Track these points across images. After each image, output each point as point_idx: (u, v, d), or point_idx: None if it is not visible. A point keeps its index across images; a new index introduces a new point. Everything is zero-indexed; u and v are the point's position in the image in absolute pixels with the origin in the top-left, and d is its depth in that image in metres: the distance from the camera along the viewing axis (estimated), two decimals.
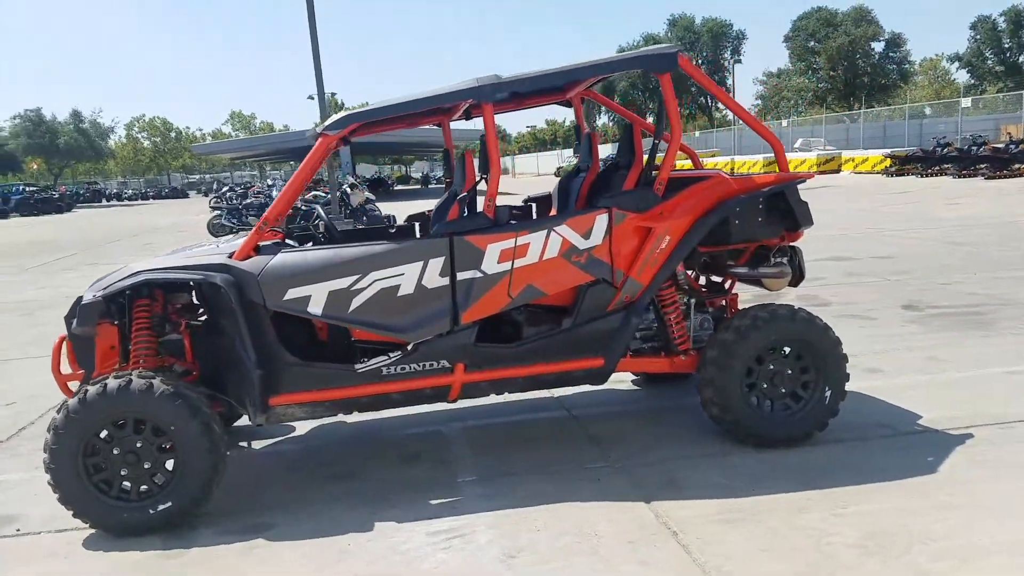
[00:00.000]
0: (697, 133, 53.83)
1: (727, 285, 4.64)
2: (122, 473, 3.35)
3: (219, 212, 21.04)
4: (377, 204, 22.73)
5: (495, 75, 3.82)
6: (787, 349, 3.99)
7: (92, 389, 3.28)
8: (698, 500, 3.44)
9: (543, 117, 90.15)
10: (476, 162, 4.31)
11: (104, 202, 57.19)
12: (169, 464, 3.40)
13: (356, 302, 3.61)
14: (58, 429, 3.26)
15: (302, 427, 4.73)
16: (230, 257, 3.59)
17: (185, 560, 3.18)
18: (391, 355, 3.69)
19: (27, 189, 45.96)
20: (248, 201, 21.48)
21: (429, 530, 3.29)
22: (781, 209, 4.09)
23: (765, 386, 3.97)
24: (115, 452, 3.32)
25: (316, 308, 3.58)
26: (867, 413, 4.42)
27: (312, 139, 3.98)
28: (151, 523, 3.35)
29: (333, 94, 17.22)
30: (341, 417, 4.38)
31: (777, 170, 4.22)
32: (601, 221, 3.80)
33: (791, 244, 4.33)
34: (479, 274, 3.68)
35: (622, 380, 5.22)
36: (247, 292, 3.51)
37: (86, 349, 3.76)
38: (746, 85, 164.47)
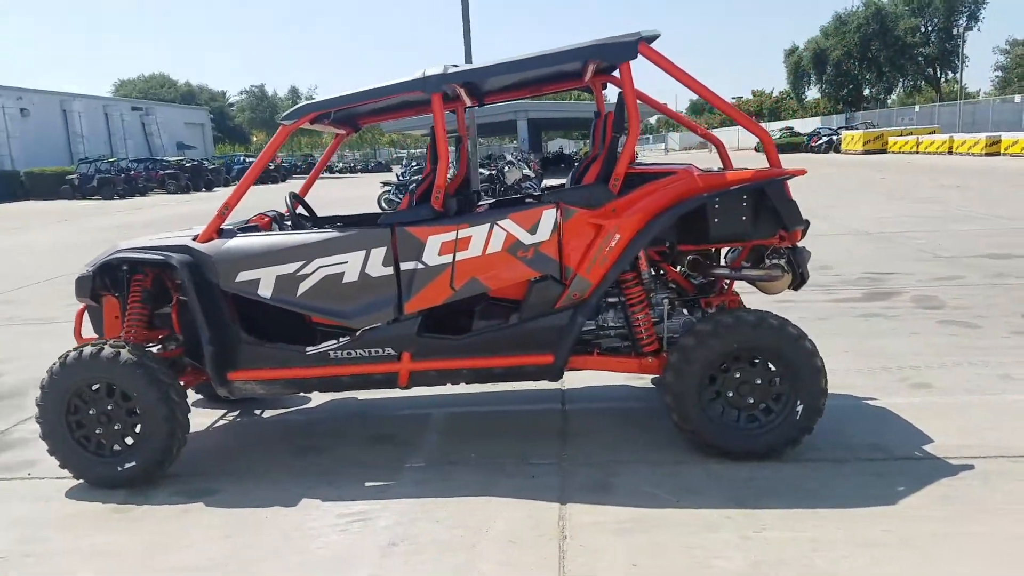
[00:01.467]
0: (917, 108, 49.17)
1: (726, 285, 4.35)
2: (97, 432, 3.77)
3: (389, 187, 22.22)
4: (538, 181, 23.06)
5: (446, 65, 3.81)
6: (758, 358, 3.70)
7: (72, 354, 3.72)
8: (613, 507, 3.34)
9: (749, 87, 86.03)
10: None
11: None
12: (138, 427, 3.77)
13: (303, 287, 3.79)
14: (44, 388, 3.74)
15: (318, 398, 5.01)
16: (194, 239, 3.89)
17: (130, 516, 3.55)
18: (340, 340, 3.83)
19: (247, 160, 50.66)
20: (417, 177, 22.48)
21: (341, 511, 3.44)
22: (772, 208, 3.78)
23: (731, 395, 3.71)
24: (91, 412, 3.74)
25: (266, 291, 3.80)
26: (869, 432, 4.04)
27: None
28: (117, 479, 3.76)
29: None
30: (350, 393, 4.59)
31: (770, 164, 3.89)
32: (548, 216, 3.71)
33: (792, 245, 3.98)
34: (421, 265, 3.73)
35: (641, 378, 5.02)
36: (205, 273, 3.80)
37: (98, 318, 4.24)
38: (984, 55, 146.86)
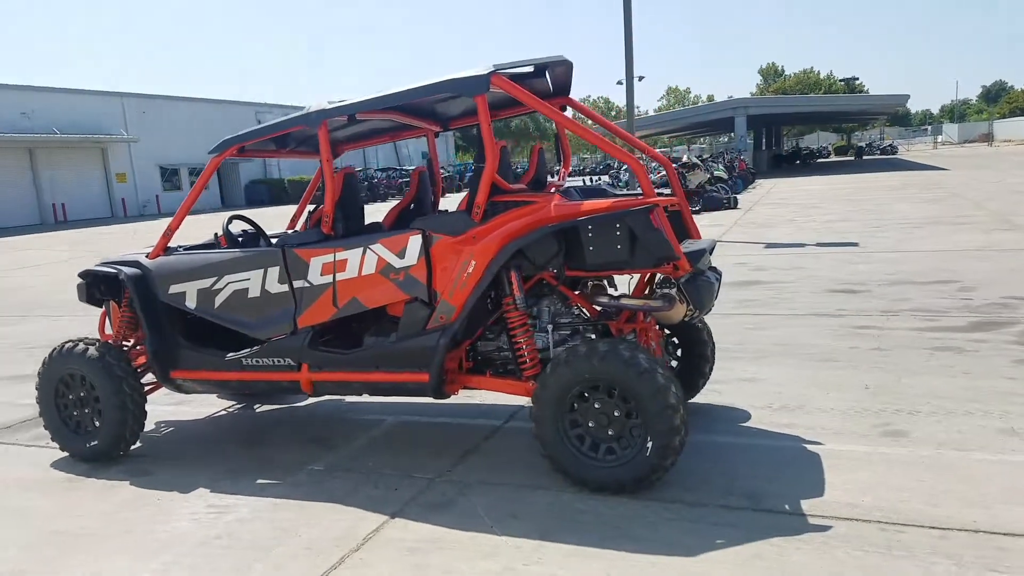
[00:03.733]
0: None
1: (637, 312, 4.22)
2: (75, 413, 4.55)
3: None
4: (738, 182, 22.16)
5: (331, 101, 4.11)
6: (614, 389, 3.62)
7: (57, 348, 4.53)
8: (429, 525, 3.47)
9: None
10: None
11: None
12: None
13: (218, 300, 4.29)
14: (39, 374, 4.59)
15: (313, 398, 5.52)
16: (147, 256, 4.54)
17: (76, 485, 4.27)
18: (252, 349, 4.29)
19: (476, 167, 53.71)
20: (599, 182, 22.64)
21: (213, 502, 3.90)
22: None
23: (591, 425, 3.66)
24: (71, 397, 4.54)
25: (191, 303, 4.36)
26: (763, 479, 3.76)
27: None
28: (85, 454, 4.52)
29: (640, 78, 16.87)
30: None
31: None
32: (415, 242, 3.88)
33: (686, 274, 3.83)
34: (307, 284, 4.08)
35: None
36: (150, 285, 4.43)
37: (112, 318, 5.07)
38: None
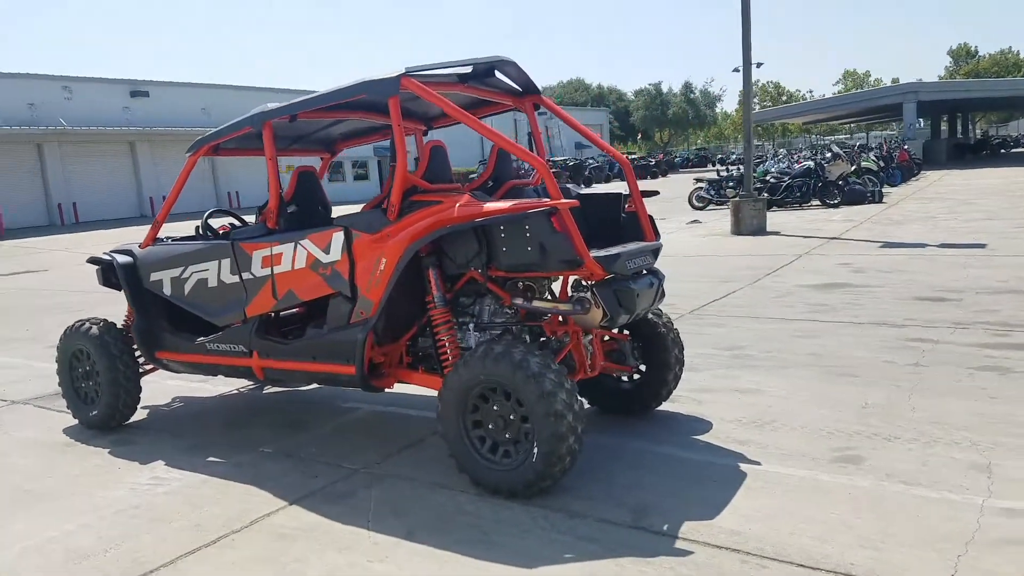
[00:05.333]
0: None
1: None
2: (83, 384, 5.08)
3: (702, 185, 21.92)
4: (872, 177, 20.60)
5: (274, 104, 4.30)
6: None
7: (72, 325, 5.06)
8: (315, 515, 3.61)
9: None
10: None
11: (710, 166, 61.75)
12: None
13: (186, 288, 4.64)
14: (58, 347, 5.15)
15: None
16: (139, 246, 4.96)
17: (66, 450, 4.78)
18: (213, 335, 4.60)
19: (630, 157, 52.72)
20: (732, 173, 21.75)
21: (159, 475, 4.25)
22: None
23: (490, 427, 3.66)
24: (79, 370, 5.07)
25: (167, 290, 4.73)
26: (662, 495, 3.62)
27: None
28: (90, 422, 5.04)
29: (759, 64, 15.59)
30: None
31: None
32: (338, 239, 4.00)
33: (602, 278, 3.73)
34: (251, 276, 4.32)
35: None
36: (139, 272, 4.85)
37: None
38: None
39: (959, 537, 3.07)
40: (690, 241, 14.26)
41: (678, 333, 4.64)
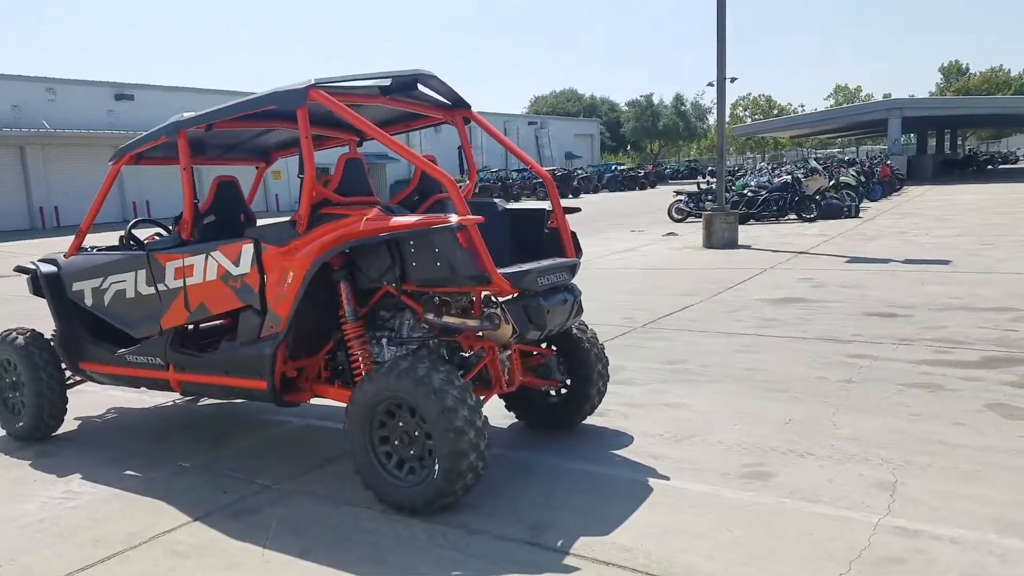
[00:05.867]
0: None
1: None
2: (10, 396, 5.06)
3: (681, 197, 21.99)
4: (851, 192, 20.68)
5: (183, 114, 4.31)
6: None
7: (2, 334, 5.03)
8: (217, 532, 3.60)
9: None
10: None
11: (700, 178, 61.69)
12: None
13: (106, 299, 4.63)
14: None
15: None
16: (64, 256, 4.95)
17: None
18: (131, 347, 4.58)
19: (618, 168, 52.88)
20: (712, 186, 21.80)
21: (70, 488, 4.23)
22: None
23: (396, 443, 3.66)
24: (6, 380, 5.05)
25: (88, 300, 4.72)
26: (563, 510, 3.63)
27: None
28: (16, 433, 5.02)
29: (733, 79, 15.60)
30: None
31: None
32: (247, 251, 4.00)
33: (511, 295, 3.75)
34: (165, 287, 4.31)
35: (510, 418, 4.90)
36: (62, 282, 4.84)
37: None
38: None
39: (845, 555, 3.08)
40: (661, 254, 14.30)
41: (602, 348, 4.66)
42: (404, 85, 4.22)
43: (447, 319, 3.86)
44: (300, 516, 3.70)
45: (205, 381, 4.33)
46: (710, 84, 15.13)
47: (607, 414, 4.97)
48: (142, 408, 5.79)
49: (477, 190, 36.77)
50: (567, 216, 4.42)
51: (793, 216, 19.71)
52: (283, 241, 3.91)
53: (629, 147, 71.35)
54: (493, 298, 3.91)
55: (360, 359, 4.01)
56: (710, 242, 15.03)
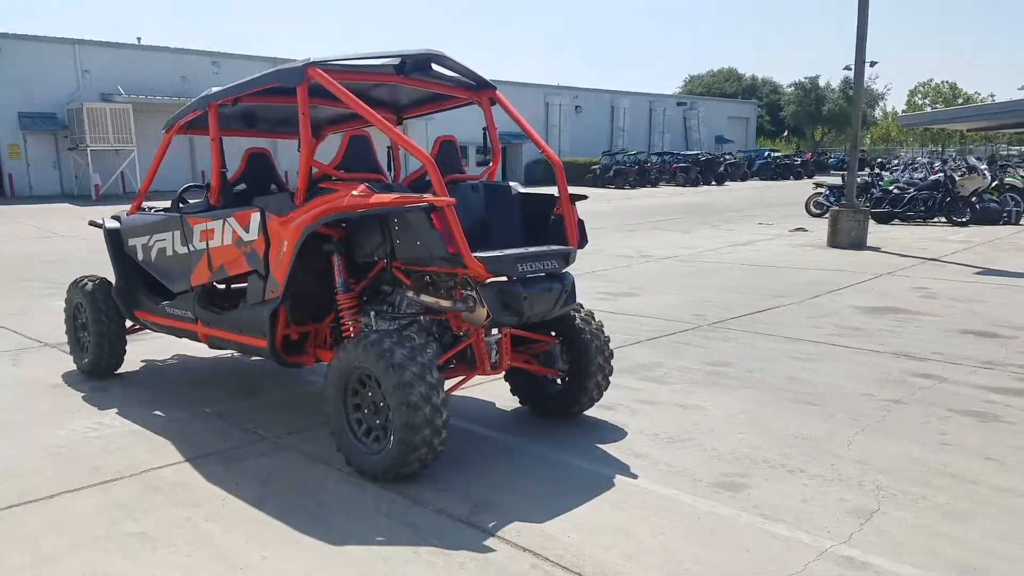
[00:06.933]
0: None
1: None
2: (80, 335, 5.66)
3: (821, 190, 20.85)
4: (1016, 196, 18.78)
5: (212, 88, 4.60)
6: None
7: (73, 281, 5.64)
8: (198, 473, 3.92)
9: None
10: None
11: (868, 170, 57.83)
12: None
13: (152, 255, 5.05)
14: (64, 300, 5.75)
15: None
16: (127, 214, 5.44)
17: (48, 390, 5.34)
18: (171, 300, 4.99)
19: (772, 155, 50.34)
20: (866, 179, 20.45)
21: (101, 421, 4.70)
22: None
23: (366, 412, 3.82)
24: (79, 320, 5.64)
25: (140, 256, 5.18)
26: (515, 495, 3.66)
27: None
28: (83, 368, 5.62)
29: (872, 63, 14.28)
30: None
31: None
32: (255, 218, 4.25)
33: (486, 279, 3.81)
34: (193, 248, 4.66)
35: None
36: (121, 237, 5.33)
37: None
38: None
39: None
40: (777, 251, 13.68)
41: (606, 341, 4.60)
42: (418, 65, 4.29)
43: (423, 297, 3.96)
44: (276, 469, 3.95)
45: (224, 336, 4.66)
46: (847, 68, 14.19)
47: (616, 408, 4.91)
48: (200, 357, 6.27)
49: (611, 173, 36.18)
50: (575, 204, 4.37)
51: (943, 219, 18.19)
52: (283, 212, 4.13)
53: (787, 132, 67.79)
54: (470, 281, 3.94)
55: (350, 329, 4.18)
56: (835, 241, 14.21)
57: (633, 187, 37.93)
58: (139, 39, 36.76)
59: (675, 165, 41.46)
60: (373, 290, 4.36)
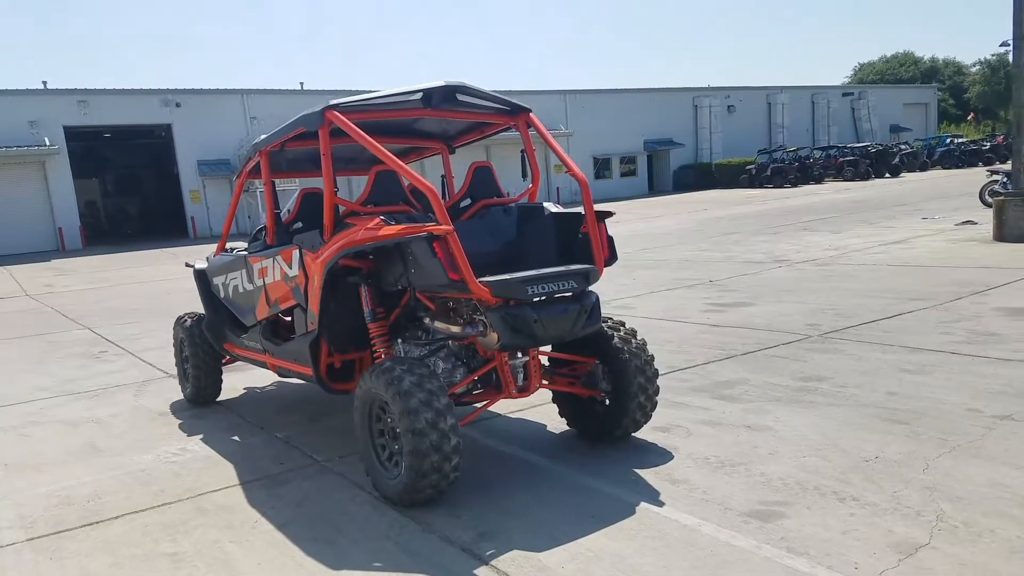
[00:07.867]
0: None
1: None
2: (185, 368, 6.18)
3: (997, 178, 18.86)
4: None
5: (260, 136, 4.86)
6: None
7: (177, 318, 6.18)
8: (242, 493, 4.16)
9: None
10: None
11: None
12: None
13: (229, 292, 5.43)
14: (173, 335, 6.31)
15: None
16: (213, 255, 5.88)
17: (153, 415, 5.87)
18: (246, 334, 5.34)
19: (955, 141, 46.04)
20: None
21: (184, 446, 5.09)
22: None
23: (386, 437, 3.93)
24: (184, 353, 6.17)
25: (221, 293, 5.58)
26: (529, 522, 3.61)
27: None
28: (187, 397, 6.14)
29: None
30: None
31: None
32: (295, 256, 4.48)
33: (493, 303, 3.82)
34: (255, 285, 4.97)
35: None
36: (207, 277, 5.78)
37: None
38: None
39: None
40: (934, 248, 12.52)
41: (648, 360, 4.41)
42: (444, 96, 4.34)
43: (437, 324, 4.00)
44: (313, 492, 4.11)
45: (285, 365, 4.93)
46: (1003, 44, 12.79)
47: (671, 429, 4.71)
48: (292, 384, 6.64)
49: (768, 172, 34.68)
50: (603, 221, 4.25)
51: None
52: (314, 248, 4.32)
53: (971, 116, 61.66)
54: (478, 306, 3.90)
55: (381, 355, 4.29)
56: (1000, 234, 12.83)
57: (794, 185, 36.12)
58: (301, 84, 39.45)
59: (841, 159, 38.95)
60: (408, 317, 4.44)
